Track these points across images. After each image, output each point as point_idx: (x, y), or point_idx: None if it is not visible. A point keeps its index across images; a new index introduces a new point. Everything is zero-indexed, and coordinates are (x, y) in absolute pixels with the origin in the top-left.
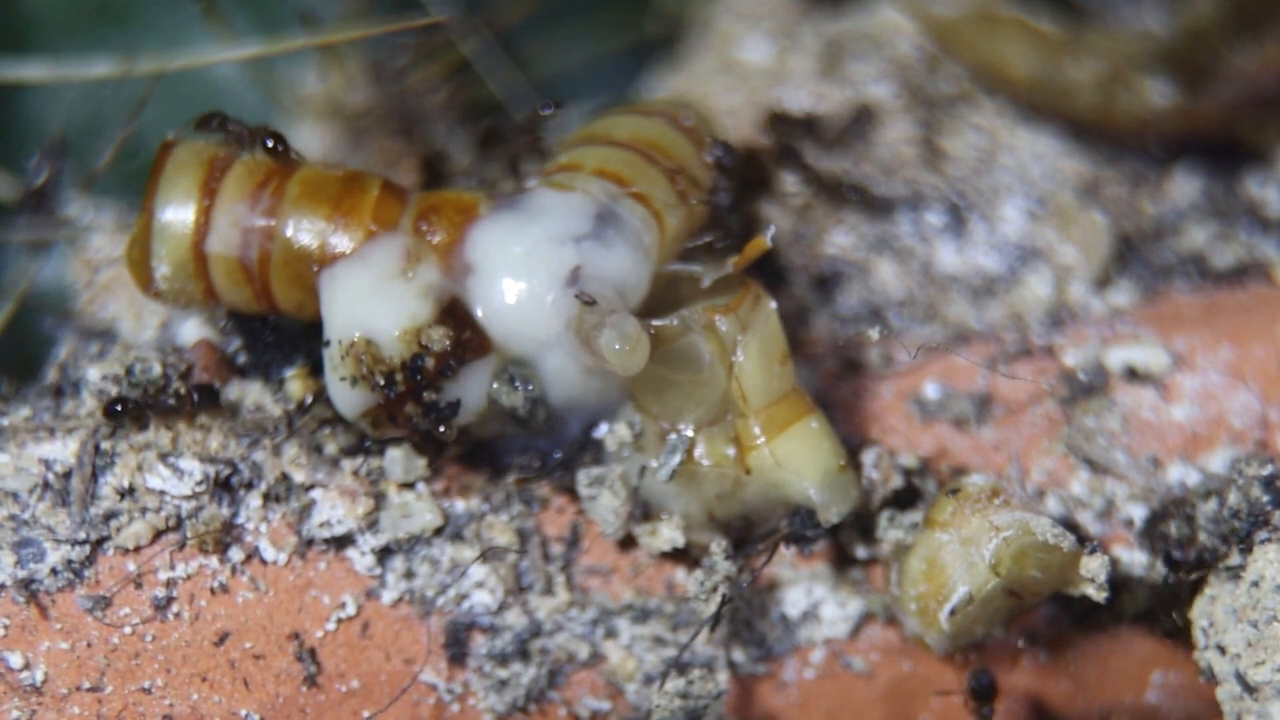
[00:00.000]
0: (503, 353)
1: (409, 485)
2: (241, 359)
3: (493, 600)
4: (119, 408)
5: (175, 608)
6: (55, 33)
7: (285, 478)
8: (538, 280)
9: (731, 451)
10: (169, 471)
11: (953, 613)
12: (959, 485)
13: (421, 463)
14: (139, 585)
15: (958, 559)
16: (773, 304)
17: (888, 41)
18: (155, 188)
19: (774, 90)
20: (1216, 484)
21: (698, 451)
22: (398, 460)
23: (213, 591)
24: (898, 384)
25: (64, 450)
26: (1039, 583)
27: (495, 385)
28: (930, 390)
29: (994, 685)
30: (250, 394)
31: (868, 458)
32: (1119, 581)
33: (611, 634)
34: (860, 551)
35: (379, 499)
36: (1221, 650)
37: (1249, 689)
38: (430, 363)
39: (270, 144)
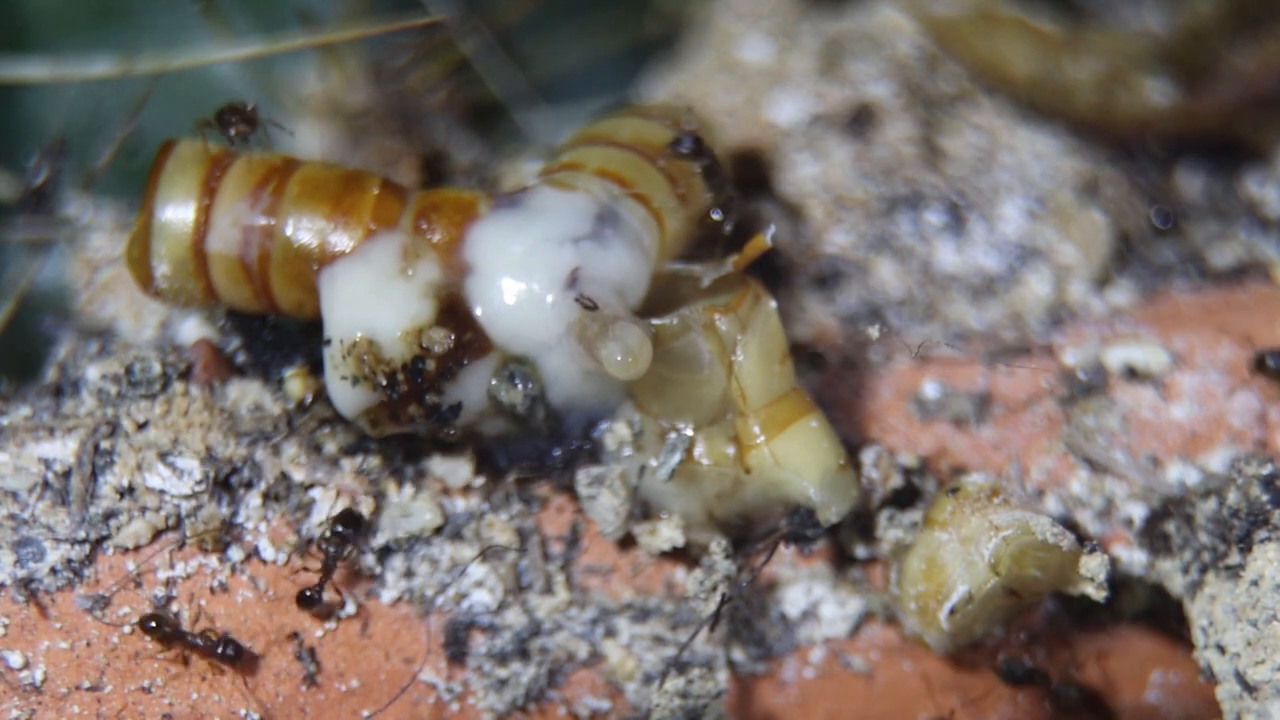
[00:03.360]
0: (503, 351)
1: (409, 484)
2: (241, 358)
3: (492, 599)
4: None
5: (175, 607)
6: (55, 33)
7: (285, 477)
8: (538, 281)
9: (731, 451)
10: (168, 471)
11: (952, 612)
12: (959, 484)
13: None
14: (138, 584)
15: (957, 558)
16: (773, 303)
17: (888, 41)
18: (155, 186)
19: (773, 89)
20: (1216, 483)
21: (698, 451)
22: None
23: (212, 591)
24: (898, 383)
25: (64, 449)
26: (1039, 582)
27: (495, 382)
28: (930, 389)
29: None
30: (250, 394)
31: (867, 457)
32: (1119, 581)
33: (611, 633)
34: (860, 551)
35: (379, 498)
36: (1221, 649)
37: (1249, 688)
38: (432, 365)
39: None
